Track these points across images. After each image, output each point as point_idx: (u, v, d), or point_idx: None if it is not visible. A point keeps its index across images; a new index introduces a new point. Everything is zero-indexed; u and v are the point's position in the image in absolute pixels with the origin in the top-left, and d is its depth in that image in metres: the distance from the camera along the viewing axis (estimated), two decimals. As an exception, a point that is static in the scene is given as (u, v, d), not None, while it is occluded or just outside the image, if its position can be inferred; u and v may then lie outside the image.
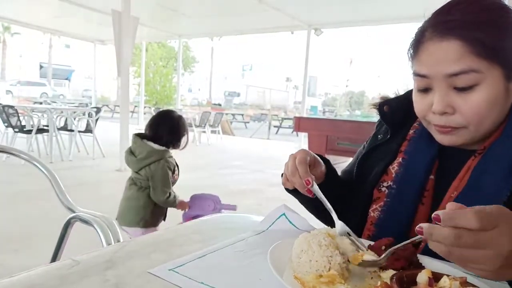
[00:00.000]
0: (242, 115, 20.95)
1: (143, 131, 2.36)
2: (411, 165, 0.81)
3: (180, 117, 2.38)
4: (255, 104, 35.50)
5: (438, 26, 0.70)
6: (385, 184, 0.83)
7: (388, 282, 0.49)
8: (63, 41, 34.24)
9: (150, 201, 2.25)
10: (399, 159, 0.83)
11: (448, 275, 0.48)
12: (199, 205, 2.43)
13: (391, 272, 0.55)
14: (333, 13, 8.28)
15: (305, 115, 8.83)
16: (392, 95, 0.94)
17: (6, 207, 3.72)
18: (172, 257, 0.61)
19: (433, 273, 0.48)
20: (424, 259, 0.61)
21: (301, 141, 9.41)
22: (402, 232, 0.76)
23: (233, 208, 2.45)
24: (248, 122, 19.78)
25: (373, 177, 0.85)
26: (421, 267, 0.57)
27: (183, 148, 2.38)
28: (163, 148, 2.26)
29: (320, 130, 7.14)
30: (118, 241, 1.10)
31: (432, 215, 0.47)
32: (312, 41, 9.32)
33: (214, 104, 27.37)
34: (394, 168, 0.83)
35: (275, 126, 16.32)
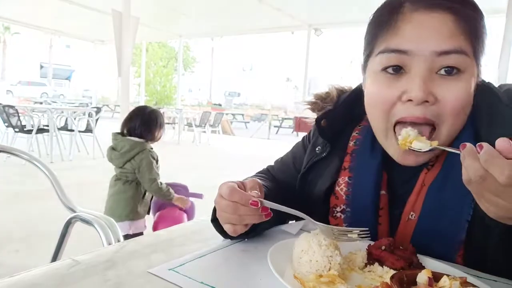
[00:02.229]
0: (242, 115, 20.96)
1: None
2: (359, 183, 0.74)
3: (152, 111, 2.46)
4: (255, 104, 35.50)
5: None
6: (338, 209, 0.76)
7: (388, 282, 0.48)
8: (63, 41, 34.25)
9: (138, 193, 2.36)
10: (345, 179, 0.76)
11: (448, 275, 0.48)
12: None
13: (391, 272, 0.56)
14: (333, 13, 8.28)
15: (305, 115, 8.81)
16: (326, 89, 0.86)
17: (6, 207, 3.72)
18: (172, 256, 0.61)
19: (433, 273, 0.48)
20: (424, 259, 0.61)
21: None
22: None
23: (199, 196, 2.57)
24: (248, 122, 19.78)
25: (319, 197, 0.78)
26: (421, 267, 0.58)
27: (157, 140, 2.47)
28: (142, 140, 2.36)
29: (320, 130, 7.10)
30: (118, 240, 1.10)
31: (478, 144, 0.45)
32: (312, 41, 9.32)
33: (214, 104, 27.36)
34: (342, 189, 0.76)
35: (275, 126, 16.32)
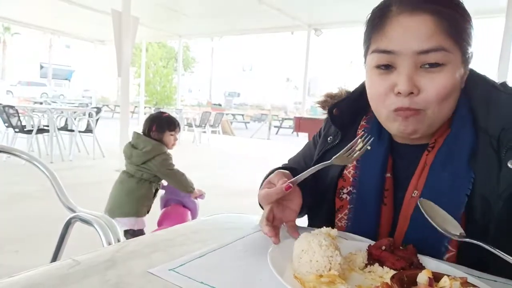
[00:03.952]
0: (242, 115, 20.96)
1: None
2: (366, 166, 0.80)
3: (158, 115, 2.64)
4: (255, 104, 35.53)
5: (409, 0, 0.67)
6: (344, 190, 0.81)
7: (389, 282, 0.48)
8: (63, 41, 34.27)
9: (149, 192, 2.46)
10: (354, 162, 0.81)
11: (448, 275, 0.48)
12: (172, 189, 2.60)
13: (391, 272, 0.56)
14: (333, 13, 8.29)
15: (305, 115, 8.83)
16: (335, 90, 0.93)
17: (6, 207, 3.72)
18: (173, 257, 0.61)
19: (434, 273, 0.48)
20: (424, 259, 0.61)
21: (301, 141, 9.37)
22: (371, 235, 0.74)
23: (201, 196, 2.62)
24: (248, 122, 19.79)
25: (331, 184, 0.83)
26: (421, 267, 0.58)
27: (167, 145, 2.59)
28: (160, 143, 2.51)
29: (320, 130, 7.10)
30: (119, 240, 1.10)
31: None
32: (312, 42, 9.33)
33: (214, 104, 27.37)
34: (350, 172, 0.82)
35: (275, 126, 16.32)
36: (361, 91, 0.85)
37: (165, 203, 2.61)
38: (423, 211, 0.60)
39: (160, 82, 23.37)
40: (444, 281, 0.47)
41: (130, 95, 7.17)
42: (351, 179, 0.81)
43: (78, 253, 0.62)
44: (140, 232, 2.37)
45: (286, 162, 1.01)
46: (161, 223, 2.49)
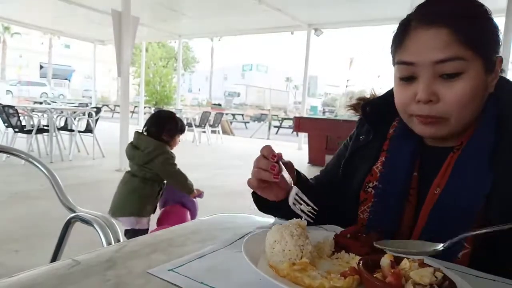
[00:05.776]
0: (242, 115, 20.95)
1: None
2: (394, 163, 0.83)
3: (161, 115, 2.64)
4: (255, 104, 35.55)
5: (426, 15, 0.72)
6: (370, 184, 0.84)
7: (356, 267, 0.52)
8: (63, 41, 34.28)
9: (153, 192, 2.44)
10: (382, 159, 0.85)
11: (408, 258, 0.52)
12: (171, 189, 2.60)
13: (357, 258, 0.60)
14: (333, 13, 8.29)
15: (305, 115, 8.82)
16: (367, 95, 0.96)
17: (6, 207, 3.72)
18: (172, 257, 0.61)
19: (395, 257, 0.52)
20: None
21: (301, 141, 9.39)
22: (392, 230, 0.77)
23: (200, 195, 2.63)
24: (248, 122, 19.78)
25: (359, 179, 0.86)
26: (383, 252, 0.61)
27: (169, 144, 2.57)
28: (163, 143, 2.49)
29: (320, 130, 7.17)
30: (118, 241, 1.10)
31: None
32: (312, 41, 9.32)
33: (214, 104, 27.34)
34: (378, 168, 0.85)
35: (275, 126, 16.31)
36: (392, 93, 0.87)
37: (163, 203, 2.60)
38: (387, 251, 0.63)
39: (160, 82, 23.37)
40: (405, 263, 0.51)
41: (130, 95, 7.16)
42: (378, 174, 0.83)
43: (78, 253, 0.62)
44: (142, 232, 2.35)
45: (319, 173, 1.02)
46: (160, 224, 2.48)
